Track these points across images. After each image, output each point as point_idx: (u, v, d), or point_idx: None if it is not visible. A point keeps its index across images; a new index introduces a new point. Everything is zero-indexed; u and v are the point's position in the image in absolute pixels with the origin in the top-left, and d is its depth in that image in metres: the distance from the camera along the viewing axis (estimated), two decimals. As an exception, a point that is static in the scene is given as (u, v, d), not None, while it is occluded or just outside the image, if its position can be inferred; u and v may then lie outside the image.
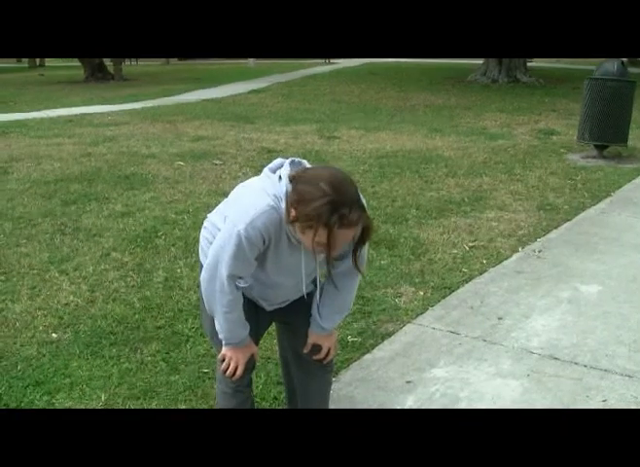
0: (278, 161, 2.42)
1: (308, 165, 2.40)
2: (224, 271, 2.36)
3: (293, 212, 2.21)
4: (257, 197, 2.30)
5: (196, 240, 2.79)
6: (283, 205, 2.25)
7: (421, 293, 4.63)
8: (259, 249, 2.33)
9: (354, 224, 2.20)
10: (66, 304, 4.44)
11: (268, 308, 2.66)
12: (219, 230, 2.46)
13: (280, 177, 2.30)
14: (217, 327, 2.52)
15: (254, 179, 2.49)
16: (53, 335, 4.03)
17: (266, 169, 2.40)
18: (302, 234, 2.24)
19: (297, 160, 2.40)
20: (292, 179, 2.25)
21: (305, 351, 2.72)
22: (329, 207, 2.11)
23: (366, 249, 2.54)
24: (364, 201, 2.29)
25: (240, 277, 2.41)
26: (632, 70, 15.89)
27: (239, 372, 2.59)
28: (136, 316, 4.25)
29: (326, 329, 2.68)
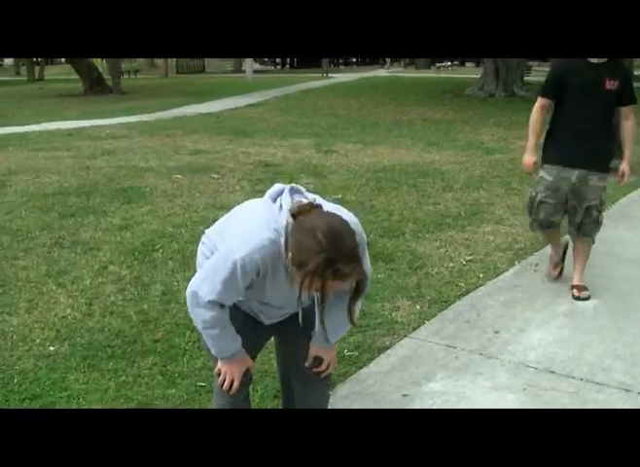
0: (278, 187, 2.42)
1: (309, 195, 2.41)
2: (207, 295, 2.37)
3: (289, 255, 2.23)
4: (258, 228, 2.30)
5: (194, 254, 2.80)
6: (283, 240, 2.26)
7: (418, 307, 4.63)
8: (251, 279, 2.35)
9: (347, 277, 2.21)
10: (63, 317, 4.44)
11: (267, 322, 2.66)
12: (216, 247, 2.48)
13: (281, 207, 2.31)
14: (207, 343, 2.54)
15: (255, 203, 2.49)
16: (50, 348, 4.03)
17: (266, 196, 2.41)
18: (296, 276, 2.25)
19: (295, 186, 2.41)
20: (294, 215, 2.26)
21: (307, 364, 2.72)
22: (324, 262, 2.12)
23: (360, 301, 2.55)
24: (362, 248, 2.30)
25: (222, 305, 2.42)
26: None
27: (235, 386, 2.60)
28: (133, 330, 4.25)
29: (330, 342, 2.68)
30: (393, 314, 4.50)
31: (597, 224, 4.79)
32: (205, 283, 2.37)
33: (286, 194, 2.35)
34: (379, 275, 5.08)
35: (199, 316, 2.44)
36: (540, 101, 4.74)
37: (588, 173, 4.62)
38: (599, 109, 4.54)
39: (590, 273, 5.03)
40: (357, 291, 2.34)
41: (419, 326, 4.36)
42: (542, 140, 4.86)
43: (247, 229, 2.35)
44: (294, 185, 2.42)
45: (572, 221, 4.80)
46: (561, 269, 5.21)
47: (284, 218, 2.27)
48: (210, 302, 2.38)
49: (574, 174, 4.63)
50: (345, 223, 2.26)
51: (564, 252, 5.19)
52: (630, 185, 8.42)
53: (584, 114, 4.54)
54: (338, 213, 2.32)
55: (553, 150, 4.73)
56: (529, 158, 4.85)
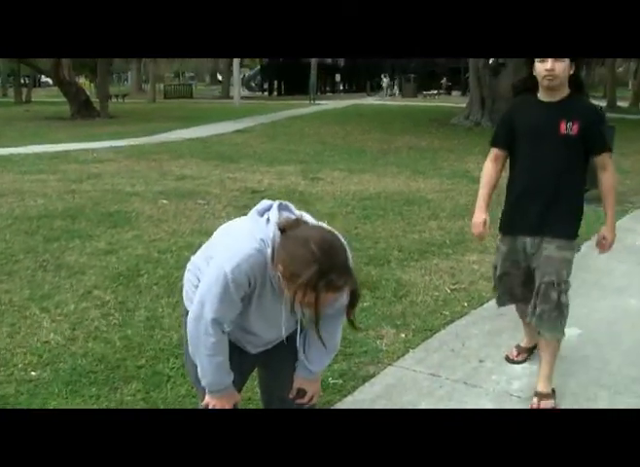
0: (266, 203, 2.42)
1: (296, 211, 2.41)
2: (209, 314, 2.35)
3: (280, 268, 2.22)
4: (244, 239, 2.30)
5: (179, 279, 2.80)
6: (269, 251, 2.25)
7: (403, 335, 4.64)
8: (245, 291, 2.33)
9: (341, 289, 2.21)
10: (46, 341, 4.41)
11: (253, 351, 2.64)
12: (202, 272, 2.47)
13: (268, 220, 2.31)
14: (200, 373, 2.49)
15: (239, 220, 2.50)
16: (32, 373, 3.99)
17: (253, 211, 2.41)
18: (287, 290, 2.24)
19: (284, 203, 2.41)
20: (281, 229, 2.26)
21: (291, 396, 2.71)
22: (317, 274, 2.12)
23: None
24: (351, 262, 2.30)
25: (225, 323, 2.41)
26: (611, 115, 16.18)
27: None
28: (117, 355, 4.22)
29: (313, 372, 2.67)
30: (378, 342, 4.50)
31: (559, 311, 3.65)
32: (206, 305, 2.35)
33: (274, 209, 2.35)
34: (365, 303, 5.08)
35: (204, 343, 2.41)
36: (491, 152, 3.93)
37: (542, 240, 3.66)
38: (556, 159, 3.57)
39: (575, 304, 5.04)
40: (352, 302, 2.33)
41: (404, 354, 4.36)
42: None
43: (232, 242, 2.34)
44: (283, 202, 2.42)
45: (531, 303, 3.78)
46: (526, 357, 4.30)
47: (271, 230, 2.26)
48: (213, 321, 2.35)
49: (527, 242, 3.74)
50: (337, 235, 2.27)
51: (535, 346, 4.22)
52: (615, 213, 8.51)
53: (536, 166, 3.64)
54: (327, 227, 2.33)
55: (504, 214, 3.92)
56: (477, 215, 4.02)
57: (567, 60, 3.46)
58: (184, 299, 2.64)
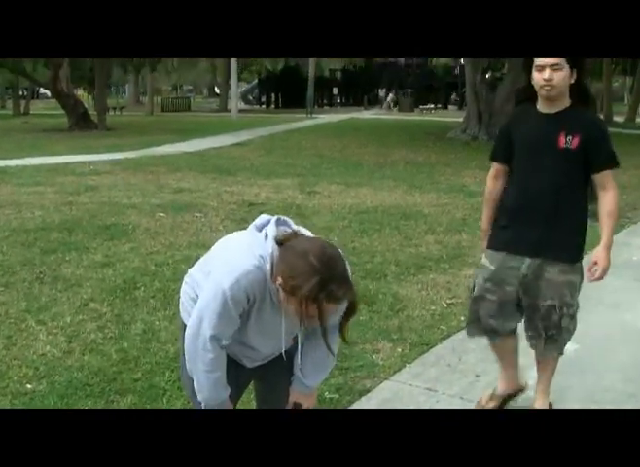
0: (264, 218, 2.43)
1: (294, 226, 2.42)
2: (208, 331, 2.35)
3: (280, 281, 2.22)
4: (242, 255, 2.30)
5: (176, 292, 2.80)
6: (268, 266, 2.26)
7: (399, 349, 4.64)
8: (243, 307, 2.33)
9: (341, 300, 2.22)
10: (42, 354, 4.40)
11: (250, 365, 2.64)
12: (199, 285, 2.47)
13: (266, 235, 2.32)
14: (196, 388, 2.49)
15: (237, 234, 2.51)
16: (28, 386, 3.98)
17: (251, 226, 2.42)
18: (287, 303, 2.25)
19: (282, 218, 2.42)
20: (280, 242, 2.27)
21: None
22: (318, 285, 2.13)
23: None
24: (350, 273, 2.31)
25: (223, 339, 2.40)
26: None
27: None
28: (113, 368, 4.21)
29: (310, 387, 2.67)
30: (374, 357, 4.50)
31: (561, 331, 3.52)
32: (204, 322, 2.35)
33: (272, 224, 2.36)
34: (361, 318, 5.08)
35: (202, 359, 2.40)
36: (492, 168, 3.66)
37: (543, 263, 3.41)
38: (555, 175, 3.35)
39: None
40: (349, 312, 2.34)
41: (400, 369, 4.36)
42: None
43: (231, 258, 2.34)
44: (281, 217, 2.43)
45: (529, 325, 3.60)
46: (497, 405, 3.82)
47: (270, 245, 2.27)
48: (212, 337, 2.35)
49: (524, 263, 3.43)
50: (334, 247, 2.28)
51: (514, 393, 3.87)
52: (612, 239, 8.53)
53: (534, 182, 3.40)
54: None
55: (498, 230, 3.57)
56: (484, 241, 3.72)
57: (566, 69, 3.23)
58: (181, 312, 2.64)
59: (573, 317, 3.53)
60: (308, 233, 2.42)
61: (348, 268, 2.31)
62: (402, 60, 56.92)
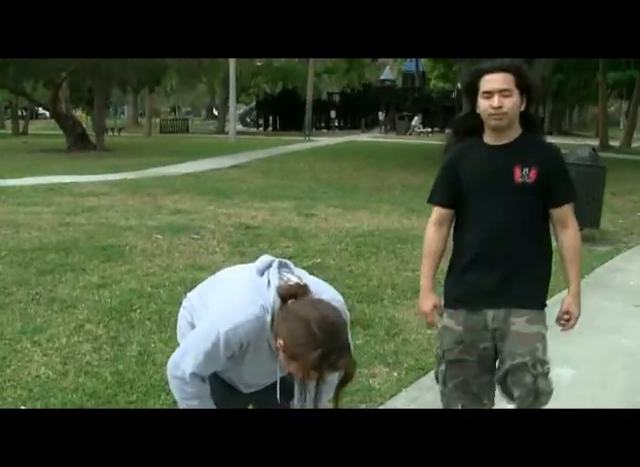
0: (266, 260, 2.43)
1: (295, 270, 2.43)
2: (189, 367, 2.35)
3: (281, 343, 2.20)
4: (244, 301, 2.30)
5: (172, 314, 2.80)
6: (269, 318, 2.26)
7: (395, 374, 4.62)
8: (233, 352, 2.33)
9: (341, 369, 2.22)
10: (37, 376, 4.38)
11: (246, 391, 2.64)
12: (197, 313, 2.47)
13: (269, 282, 2.31)
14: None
15: (241, 271, 2.50)
16: (22, 407, 3.96)
17: (253, 269, 2.41)
18: (288, 364, 2.24)
19: (283, 261, 2.43)
20: (282, 296, 2.26)
21: None
22: (320, 357, 2.11)
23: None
24: (350, 339, 2.31)
25: (203, 379, 2.39)
26: (603, 155, 16.29)
27: None
28: (108, 391, 4.19)
29: None
30: (370, 381, 4.48)
31: (534, 398, 3.01)
32: (188, 356, 2.35)
33: (274, 269, 2.36)
34: (357, 341, 5.07)
35: (179, 388, 2.41)
36: (433, 213, 3.33)
37: (509, 313, 3.01)
38: (512, 214, 2.99)
39: (567, 343, 5.05)
40: (345, 379, 2.30)
41: (397, 393, 4.35)
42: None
43: (233, 302, 2.33)
44: (282, 260, 2.43)
45: (502, 390, 3.15)
46: None
47: (272, 295, 2.27)
48: (192, 374, 2.35)
49: (488, 316, 3.04)
50: (337, 311, 2.24)
51: None
52: (607, 254, 8.57)
53: (488, 224, 3.03)
54: (325, 296, 2.31)
55: (453, 284, 3.17)
56: (424, 302, 3.23)
57: (517, 95, 2.89)
58: (178, 336, 2.64)
59: (547, 376, 3.06)
60: (308, 279, 2.42)
61: (349, 332, 2.31)
62: (399, 84, 57.38)
